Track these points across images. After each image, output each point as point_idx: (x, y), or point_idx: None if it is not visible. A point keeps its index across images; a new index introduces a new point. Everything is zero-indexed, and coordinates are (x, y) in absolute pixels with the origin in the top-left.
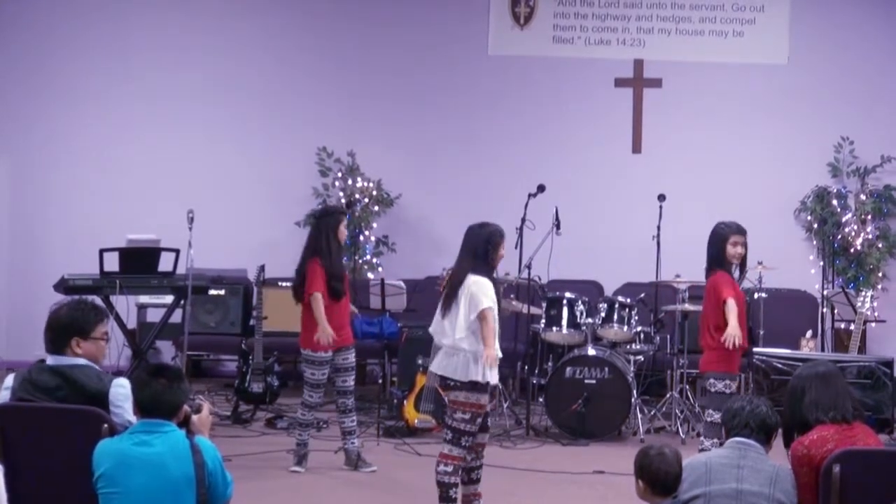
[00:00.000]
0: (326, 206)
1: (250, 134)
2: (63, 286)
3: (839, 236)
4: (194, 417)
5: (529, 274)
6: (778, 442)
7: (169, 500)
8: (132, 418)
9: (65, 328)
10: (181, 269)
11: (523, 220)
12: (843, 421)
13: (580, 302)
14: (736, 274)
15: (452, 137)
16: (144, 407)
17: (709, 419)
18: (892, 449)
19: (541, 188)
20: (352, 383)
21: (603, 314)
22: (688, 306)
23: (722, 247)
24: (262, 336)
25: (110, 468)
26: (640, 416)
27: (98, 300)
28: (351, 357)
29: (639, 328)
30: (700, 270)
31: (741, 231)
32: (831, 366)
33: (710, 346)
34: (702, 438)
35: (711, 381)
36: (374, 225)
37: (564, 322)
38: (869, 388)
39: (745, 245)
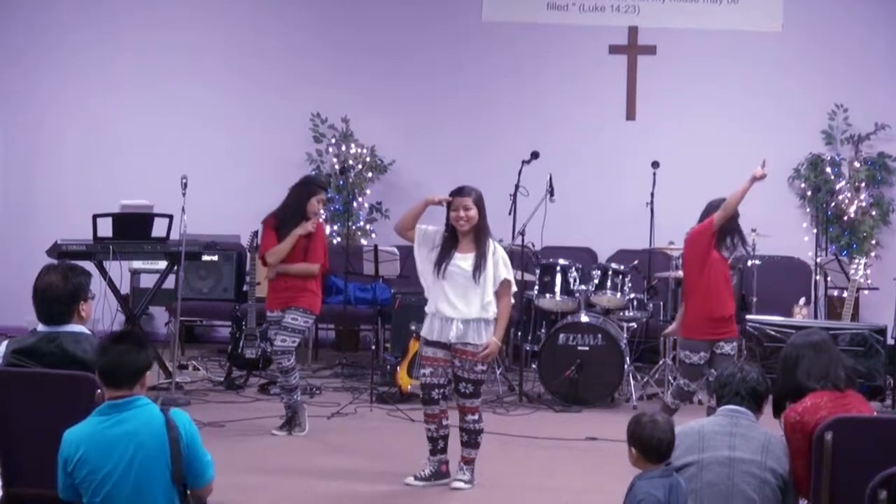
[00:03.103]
0: (308, 175)
1: (244, 99)
2: (56, 251)
3: (833, 204)
4: None
5: (523, 241)
6: (767, 409)
7: (145, 478)
8: None
9: (73, 295)
10: (174, 235)
11: (517, 186)
12: (835, 389)
13: (573, 269)
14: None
15: (446, 104)
16: (104, 372)
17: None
18: (885, 416)
19: (534, 155)
20: (288, 344)
21: (596, 281)
22: (681, 273)
23: None
24: (255, 302)
25: (85, 453)
26: (632, 382)
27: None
28: (298, 319)
29: (632, 295)
30: None
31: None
32: (824, 334)
33: None
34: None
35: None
36: (368, 191)
37: (558, 289)
38: (861, 355)
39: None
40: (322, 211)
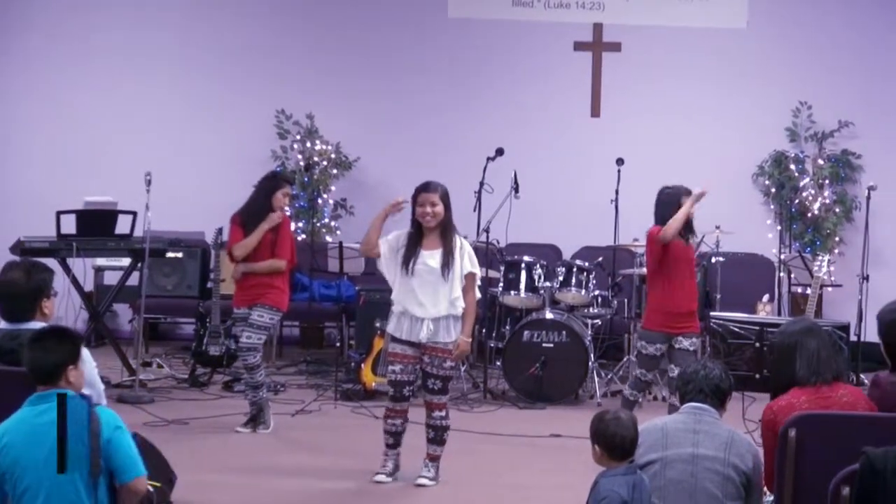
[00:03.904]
0: (274, 171)
1: (208, 96)
2: (19, 248)
3: (796, 201)
4: None
5: (488, 237)
6: (731, 406)
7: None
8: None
9: (35, 292)
10: (138, 232)
11: (482, 183)
12: (822, 383)
13: (538, 266)
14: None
15: (411, 100)
16: (29, 372)
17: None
18: (848, 413)
19: (499, 151)
20: (254, 341)
21: (561, 278)
22: (645, 270)
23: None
24: (219, 299)
25: (10, 441)
26: (597, 379)
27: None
28: (264, 316)
29: (596, 292)
30: None
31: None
32: (814, 325)
33: None
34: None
35: None
36: (333, 188)
37: (522, 286)
38: None
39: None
40: (287, 206)
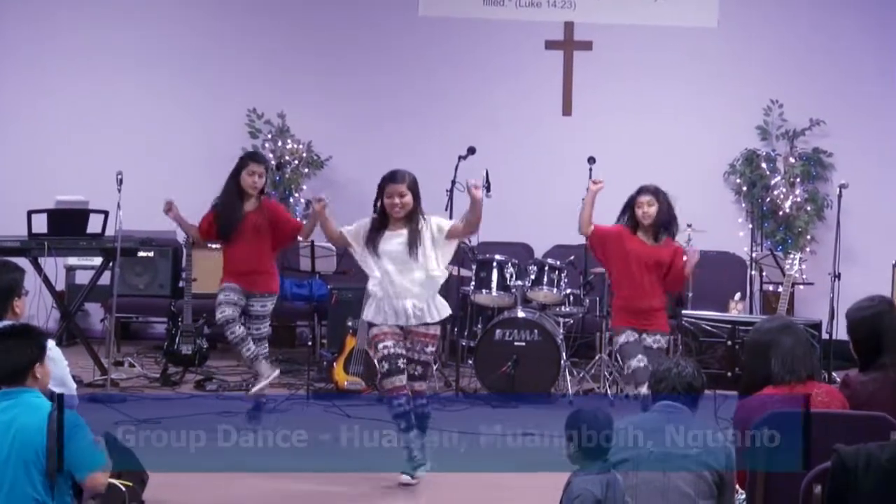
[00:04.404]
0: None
1: (179, 95)
2: None
3: (768, 199)
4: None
5: None
6: (703, 404)
7: (21, 469)
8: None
9: (6, 291)
10: (110, 231)
11: (453, 182)
12: (796, 381)
13: (510, 264)
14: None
15: (382, 99)
16: None
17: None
18: (819, 411)
19: (471, 150)
20: (265, 331)
21: (532, 276)
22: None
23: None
24: (191, 298)
25: None
26: (569, 378)
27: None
28: (267, 305)
29: (568, 290)
30: None
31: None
32: (791, 322)
33: None
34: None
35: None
36: (304, 187)
37: (494, 284)
38: None
39: (650, 204)
40: (257, 184)
